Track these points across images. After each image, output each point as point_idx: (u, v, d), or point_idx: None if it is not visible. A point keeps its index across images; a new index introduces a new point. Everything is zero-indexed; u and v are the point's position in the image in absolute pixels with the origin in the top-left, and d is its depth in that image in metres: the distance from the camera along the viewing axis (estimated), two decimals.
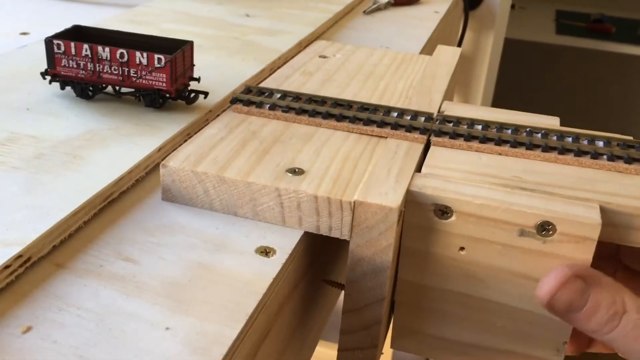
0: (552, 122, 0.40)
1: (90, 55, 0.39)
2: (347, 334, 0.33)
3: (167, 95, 0.40)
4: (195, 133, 0.38)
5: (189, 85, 0.41)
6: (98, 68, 0.39)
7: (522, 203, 0.31)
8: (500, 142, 0.36)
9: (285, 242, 0.31)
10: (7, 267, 0.26)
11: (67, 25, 0.42)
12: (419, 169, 0.34)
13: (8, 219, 0.29)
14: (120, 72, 0.39)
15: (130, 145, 0.36)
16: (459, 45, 1.05)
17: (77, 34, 0.41)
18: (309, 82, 0.45)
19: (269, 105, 0.39)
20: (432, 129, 0.37)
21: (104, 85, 0.41)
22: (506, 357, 0.34)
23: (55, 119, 0.38)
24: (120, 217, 0.32)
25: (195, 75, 0.42)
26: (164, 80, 0.39)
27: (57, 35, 0.39)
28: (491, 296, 0.32)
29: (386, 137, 0.37)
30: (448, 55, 0.52)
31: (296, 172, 0.33)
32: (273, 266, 0.29)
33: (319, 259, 0.35)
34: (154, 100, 0.40)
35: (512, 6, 1.88)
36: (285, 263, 0.29)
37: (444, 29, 0.78)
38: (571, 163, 0.35)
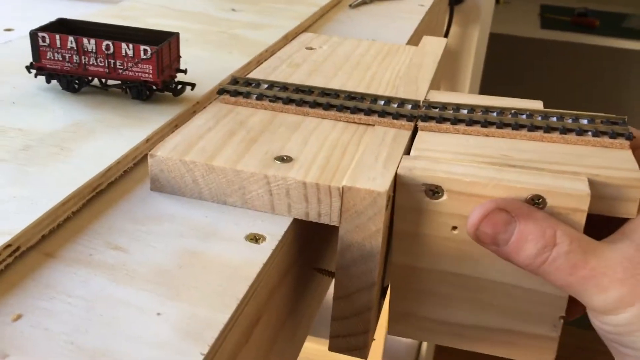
0: (535, 105, 0.40)
1: (75, 48, 0.39)
2: (338, 320, 0.34)
3: (154, 87, 0.39)
4: (183, 124, 0.38)
5: (175, 76, 0.41)
6: (84, 60, 0.39)
7: (512, 178, 0.31)
8: (486, 124, 0.36)
9: (275, 229, 0.31)
10: None
11: (52, 20, 0.41)
12: (407, 154, 0.34)
13: None
14: (106, 64, 0.39)
15: (117, 136, 0.36)
16: None
17: (62, 26, 0.41)
18: (296, 73, 0.45)
19: (256, 95, 0.39)
20: (419, 115, 0.37)
21: (90, 78, 0.41)
22: (503, 335, 0.34)
23: (41, 111, 0.38)
24: (109, 207, 0.32)
25: (182, 67, 0.42)
26: (151, 71, 0.39)
27: (42, 28, 0.39)
28: (485, 275, 0.33)
29: (373, 125, 0.37)
30: (434, 46, 0.52)
31: (284, 159, 0.33)
32: (263, 252, 0.29)
33: (309, 247, 0.35)
34: (141, 92, 0.40)
35: (497, 1, 1.89)
36: (275, 249, 0.29)
37: (430, 22, 0.78)
38: (557, 141, 0.35)
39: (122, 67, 0.39)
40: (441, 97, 0.41)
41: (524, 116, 0.37)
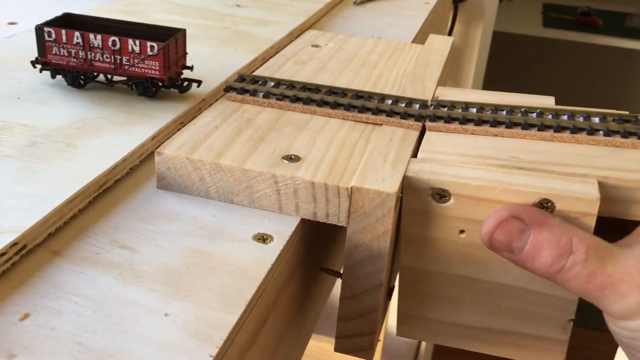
0: (546, 101, 0.40)
1: (81, 43, 0.38)
2: (344, 321, 0.33)
3: (160, 83, 0.39)
4: (189, 122, 0.37)
5: (182, 73, 0.41)
6: (90, 56, 0.39)
7: (520, 182, 0.31)
8: (495, 123, 0.36)
9: (283, 229, 0.31)
10: (2, 254, 0.25)
11: (57, 14, 0.41)
12: (415, 155, 0.34)
13: (2, 207, 0.28)
14: (112, 60, 0.39)
15: (123, 133, 0.36)
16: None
17: (67, 21, 0.41)
18: (302, 71, 0.45)
19: (262, 93, 0.39)
20: (427, 115, 0.37)
21: (95, 73, 0.40)
22: (512, 337, 0.34)
23: (46, 107, 0.38)
24: (116, 205, 0.31)
25: (188, 64, 0.42)
26: (157, 68, 0.38)
27: (48, 23, 0.39)
28: (494, 278, 0.32)
29: (381, 125, 0.37)
30: (440, 44, 0.52)
31: (292, 159, 0.33)
32: (271, 253, 0.29)
33: (316, 247, 0.35)
34: (147, 88, 0.39)
35: None
36: (283, 249, 0.29)
37: (434, 20, 0.78)
38: (568, 140, 0.35)
39: (128, 63, 0.38)
40: (450, 94, 0.41)
41: (534, 115, 0.37)
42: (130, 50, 0.38)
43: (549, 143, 0.35)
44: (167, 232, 0.30)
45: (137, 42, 0.38)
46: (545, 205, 0.30)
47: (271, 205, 0.32)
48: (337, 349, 0.34)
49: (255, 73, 0.44)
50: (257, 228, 0.31)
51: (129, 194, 0.32)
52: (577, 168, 0.32)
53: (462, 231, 0.32)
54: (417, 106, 0.38)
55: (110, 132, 0.36)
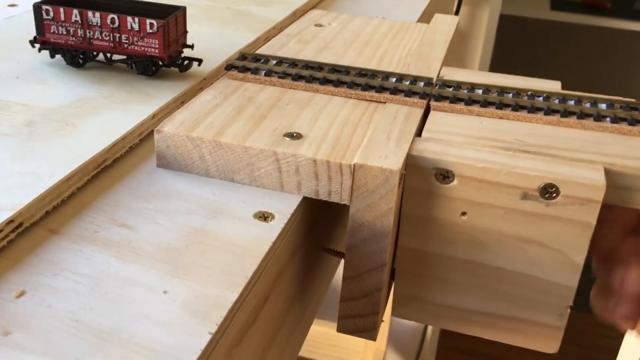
0: (553, 86, 0.39)
1: (80, 21, 0.38)
2: (347, 301, 0.33)
3: (160, 62, 0.39)
4: (190, 100, 0.37)
5: (182, 52, 0.40)
6: (88, 34, 0.38)
7: (525, 166, 0.30)
8: (501, 105, 0.35)
9: (284, 207, 0.30)
10: None
11: None
12: (419, 133, 0.33)
13: None
14: (112, 39, 0.38)
15: (123, 112, 0.35)
16: None
17: (66, 0, 0.40)
18: (305, 50, 0.44)
19: (264, 71, 0.39)
20: (431, 93, 0.36)
21: (94, 52, 0.40)
22: (509, 323, 0.33)
23: (45, 87, 0.37)
24: (115, 184, 0.31)
25: (188, 43, 0.41)
26: (157, 46, 0.38)
27: (46, 1, 0.38)
28: (494, 262, 0.32)
29: (385, 102, 0.36)
30: (446, 24, 0.51)
31: (294, 136, 0.32)
32: (272, 231, 0.28)
33: (318, 226, 0.35)
34: (147, 67, 0.39)
35: None
36: (284, 228, 0.29)
37: (440, 2, 0.77)
38: (574, 126, 0.34)
39: (127, 41, 0.38)
40: (455, 74, 0.40)
41: (541, 99, 0.36)
42: (130, 28, 0.37)
43: (555, 128, 0.34)
44: (166, 211, 0.29)
45: (137, 19, 0.37)
46: (549, 190, 0.30)
47: (272, 183, 0.31)
48: (340, 329, 0.34)
49: (257, 52, 0.43)
50: (258, 206, 0.30)
51: (128, 173, 0.32)
52: (583, 154, 0.31)
53: (463, 213, 0.31)
54: (421, 84, 0.38)
55: (110, 111, 0.35)
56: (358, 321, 0.33)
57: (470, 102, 0.36)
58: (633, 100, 0.36)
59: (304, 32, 0.48)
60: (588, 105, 0.36)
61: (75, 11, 0.37)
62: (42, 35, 0.39)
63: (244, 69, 0.39)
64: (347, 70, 0.39)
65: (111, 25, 0.38)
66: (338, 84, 0.38)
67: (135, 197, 0.30)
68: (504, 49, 1.91)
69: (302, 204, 0.31)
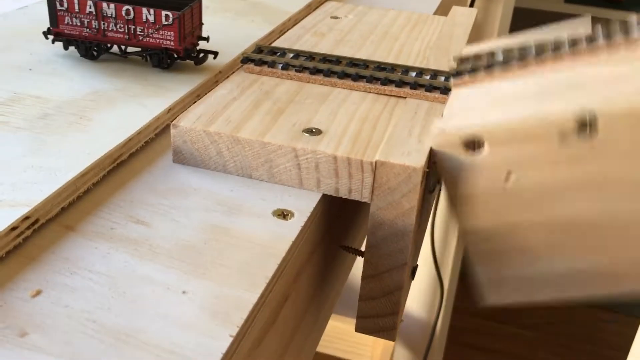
0: (581, 24, 0.35)
1: (94, 12, 0.37)
2: (366, 301, 0.32)
3: (175, 55, 0.38)
4: (205, 94, 0.36)
5: (197, 44, 0.39)
6: (103, 26, 0.37)
7: (554, 107, 0.28)
8: (522, 57, 0.32)
9: (303, 205, 0.29)
10: (14, 228, 0.24)
11: None
12: None
13: (14, 179, 0.27)
14: (126, 30, 0.37)
15: (138, 106, 0.35)
16: None
17: None
18: (322, 43, 0.44)
19: (281, 64, 0.38)
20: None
21: (109, 44, 0.39)
22: (607, 269, 0.31)
23: (59, 79, 0.37)
24: (131, 179, 0.30)
25: (203, 35, 0.40)
26: (172, 38, 0.37)
27: None
28: (561, 214, 0.30)
29: (405, 97, 0.36)
30: (464, 16, 0.50)
31: (313, 132, 0.31)
32: (292, 229, 0.28)
33: (337, 224, 0.34)
34: (162, 60, 0.38)
35: None
36: (304, 226, 0.28)
37: None
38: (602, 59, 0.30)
39: (142, 33, 0.37)
40: (474, 49, 0.37)
41: (566, 46, 0.31)
42: (145, 20, 0.37)
43: (586, 68, 0.30)
44: (183, 207, 0.28)
45: (152, 11, 0.36)
46: (587, 124, 0.27)
47: (291, 180, 0.31)
48: (359, 329, 0.33)
49: (273, 45, 0.42)
50: (277, 204, 0.29)
51: (144, 168, 0.31)
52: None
53: (509, 175, 0.29)
54: (442, 78, 0.37)
55: (125, 105, 0.35)
56: (377, 321, 0.33)
57: (489, 67, 0.32)
58: None
59: (320, 25, 0.47)
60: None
61: (89, 2, 0.37)
62: (56, 26, 0.38)
63: (261, 62, 0.38)
64: (365, 64, 0.38)
65: (126, 17, 0.37)
66: (357, 78, 0.37)
67: (151, 192, 0.29)
68: None
69: (322, 201, 0.30)
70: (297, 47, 0.42)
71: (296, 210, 0.29)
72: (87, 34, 0.38)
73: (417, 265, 0.35)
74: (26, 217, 0.25)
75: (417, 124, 0.32)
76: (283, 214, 0.29)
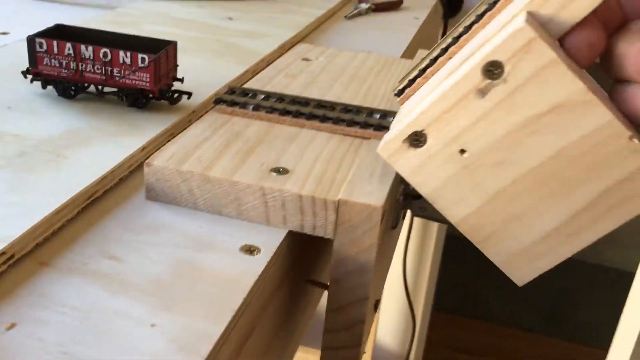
0: None
1: (73, 54, 0.39)
2: (330, 333, 0.34)
3: (151, 95, 0.40)
4: (179, 133, 0.38)
5: (172, 85, 0.41)
6: (81, 67, 0.39)
7: (460, 71, 0.29)
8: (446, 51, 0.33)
9: (270, 241, 0.31)
10: None
11: (48, 24, 0.41)
12: None
13: None
14: (103, 72, 0.39)
15: (113, 144, 0.36)
16: None
17: (59, 32, 0.41)
18: (293, 84, 0.46)
19: (252, 105, 0.40)
20: None
21: (86, 84, 0.41)
22: (607, 200, 0.30)
23: (37, 117, 0.38)
24: (104, 215, 0.31)
25: (179, 76, 0.42)
26: (148, 80, 0.39)
27: (40, 34, 0.39)
28: (527, 165, 0.30)
29: (369, 138, 0.38)
30: None
31: (280, 171, 0.33)
32: (258, 264, 0.29)
33: (303, 258, 0.36)
34: (137, 100, 0.40)
35: None
36: (269, 261, 0.29)
37: (424, 35, 0.79)
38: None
39: (119, 74, 0.39)
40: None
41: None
42: (122, 62, 0.38)
43: (484, 30, 0.31)
44: (155, 243, 0.30)
45: (128, 54, 0.38)
46: (491, 69, 0.28)
47: (259, 217, 0.32)
48: None
49: (245, 86, 0.44)
50: (245, 240, 0.31)
51: (118, 205, 0.33)
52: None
53: (462, 151, 0.30)
54: None
55: (100, 143, 0.36)
56: (341, 353, 0.34)
57: (422, 73, 0.33)
58: None
59: (292, 66, 0.50)
60: None
61: (68, 44, 0.38)
62: (35, 67, 0.40)
63: (233, 103, 0.40)
64: (332, 105, 0.40)
65: (103, 59, 0.38)
66: (324, 119, 0.39)
67: (124, 229, 0.31)
68: None
69: (288, 237, 0.32)
70: (269, 87, 0.44)
71: (263, 246, 0.30)
72: (65, 75, 0.39)
73: (381, 298, 0.37)
74: (2, 253, 0.26)
75: (379, 165, 0.34)
76: (250, 250, 0.30)
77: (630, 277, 1.19)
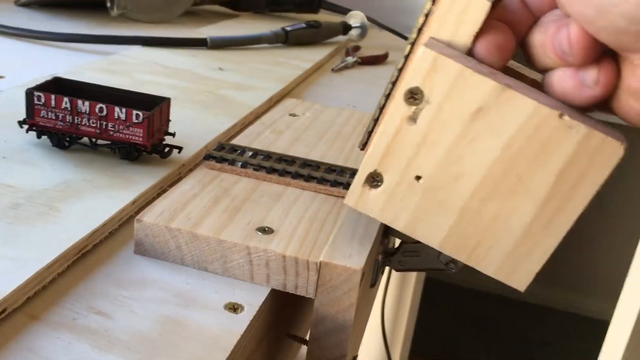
0: None
1: (69, 108, 0.40)
2: None
3: (143, 149, 0.41)
4: (169, 186, 0.39)
5: (164, 139, 0.43)
6: (76, 120, 0.40)
7: (390, 105, 0.30)
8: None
9: (253, 299, 0.32)
10: None
11: (43, 69, 0.43)
12: (384, 231, 0.36)
13: None
14: (98, 126, 0.40)
15: (105, 197, 0.37)
16: None
17: (57, 85, 0.43)
18: (279, 140, 0.48)
19: (240, 163, 0.41)
20: None
21: (80, 136, 0.42)
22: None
23: (31, 168, 0.39)
24: (93, 269, 0.33)
25: (170, 128, 0.44)
26: (141, 135, 0.40)
27: (38, 87, 0.41)
28: (480, 174, 0.31)
29: None
30: None
31: (266, 231, 0.34)
32: (241, 323, 0.30)
33: (284, 314, 0.37)
34: (130, 153, 0.41)
35: None
36: (252, 320, 0.31)
37: None
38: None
39: (113, 129, 0.40)
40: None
41: None
42: (117, 117, 0.40)
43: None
44: (142, 299, 0.31)
45: (124, 110, 0.40)
46: (414, 95, 0.30)
47: (243, 274, 0.33)
48: None
49: (234, 141, 0.46)
50: (229, 297, 0.32)
51: (107, 258, 0.34)
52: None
53: (417, 178, 0.31)
54: None
55: (92, 196, 0.37)
56: None
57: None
58: None
59: (279, 122, 0.52)
60: None
61: (65, 99, 0.40)
62: (32, 118, 0.41)
63: (222, 160, 0.41)
64: (317, 165, 0.42)
65: (99, 114, 0.40)
66: (309, 178, 0.40)
67: (112, 283, 0.32)
68: None
69: (271, 295, 0.33)
70: (256, 143, 0.46)
71: (246, 304, 0.32)
72: (61, 127, 0.41)
73: (357, 354, 0.38)
74: None
75: (360, 226, 0.36)
76: (234, 308, 0.31)
77: (605, 325, 1.22)
